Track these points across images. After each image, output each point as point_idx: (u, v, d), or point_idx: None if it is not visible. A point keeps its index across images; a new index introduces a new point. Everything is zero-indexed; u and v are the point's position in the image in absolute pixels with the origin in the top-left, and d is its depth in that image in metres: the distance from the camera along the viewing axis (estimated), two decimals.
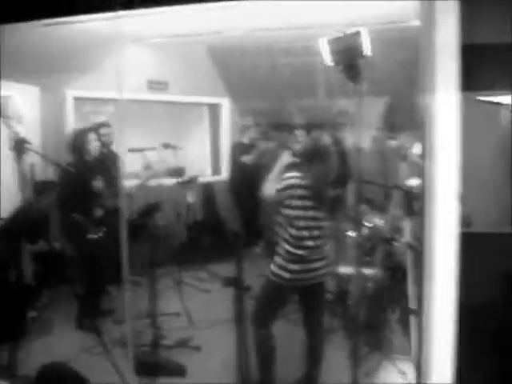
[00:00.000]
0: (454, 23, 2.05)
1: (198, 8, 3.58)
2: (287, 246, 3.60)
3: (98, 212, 4.98)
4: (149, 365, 4.13)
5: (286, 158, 3.78)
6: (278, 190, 3.58)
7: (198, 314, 5.14)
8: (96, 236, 4.90)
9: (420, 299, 2.32)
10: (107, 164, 5.28)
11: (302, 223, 3.55)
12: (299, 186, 3.56)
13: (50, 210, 5.39)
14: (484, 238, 4.56)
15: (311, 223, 3.57)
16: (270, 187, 3.67)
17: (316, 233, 3.59)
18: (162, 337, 4.60)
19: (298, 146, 3.81)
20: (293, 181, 3.58)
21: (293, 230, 3.57)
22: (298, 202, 3.55)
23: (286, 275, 3.58)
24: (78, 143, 5.03)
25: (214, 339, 4.64)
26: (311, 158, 3.61)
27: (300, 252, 3.56)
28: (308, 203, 3.55)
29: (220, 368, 4.18)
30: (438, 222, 2.12)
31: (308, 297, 3.80)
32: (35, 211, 5.17)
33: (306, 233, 3.56)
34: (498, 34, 4.61)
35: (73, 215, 4.84)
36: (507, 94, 5.10)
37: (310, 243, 3.57)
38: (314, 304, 3.84)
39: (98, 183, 4.98)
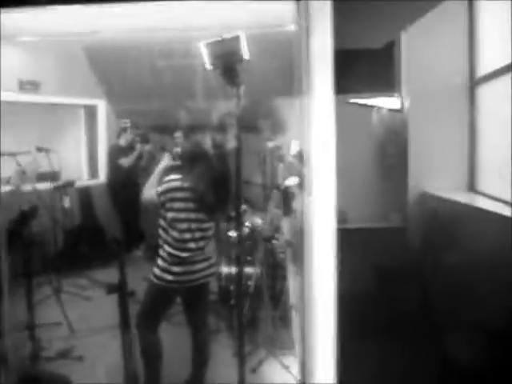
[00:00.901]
0: (328, 28, 2.15)
1: (75, 7, 3.49)
2: (170, 249, 3.60)
3: None
4: (30, 379, 3.96)
5: (166, 160, 3.81)
6: (159, 193, 3.58)
7: (80, 322, 5.00)
8: None
9: (301, 294, 2.42)
10: None
11: (183, 225, 3.57)
12: (180, 189, 3.57)
13: None
14: (359, 233, 4.83)
15: (193, 225, 3.59)
16: (149, 190, 3.67)
17: (198, 234, 3.62)
18: (42, 348, 4.43)
19: (177, 149, 3.82)
20: (173, 183, 3.59)
21: (175, 233, 3.58)
22: (179, 205, 3.56)
23: (169, 277, 3.58)
24: None
25: (97, 347, 4.55)
26: (191, 160, 3.65)
27: (183, 254, 3.58)
28: (189, 205, 3.57)
29: (105, 377, 4.10)
30: (315, 219, 2.22)
31: (192, 298, 3.81)
32: None
33: (188, 235, 3.58)
34: (367, 40, 4.90)
35: None
36: (377, 96, 5.44)
37: (193, 245, 3.60)
38: (198, 305, 3.86)
39: None
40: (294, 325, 4.36)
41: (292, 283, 4.45)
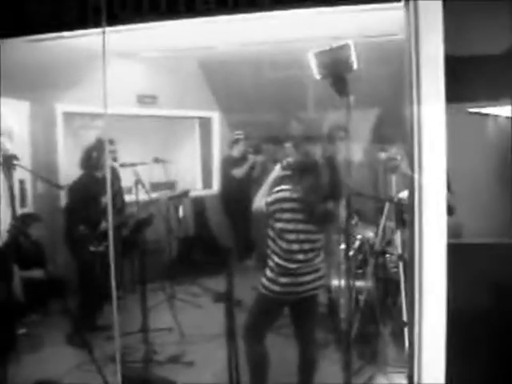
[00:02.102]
0: (439, 35, 2.06)
1: (189, 22, 3.59)
2: (277, 259, 3.57)
3: (103, 224, 4.96)
4: (139, 381, 4.08)
5: (277, 171, 3.78)
6: (268, 203, 3.57)
7: (191, 329, 5.09)
8: (98, 249, 4.89)
9: (411, 311, 2.31)
10: (112, 179, 5.30)
11: (292, 236, 3.53)
12: (289, 199, 3.55)
13: (41, 239, 5.40)
14: (474, 249, 4.57)
15: (301, 236, 3.54)
16: (260, 200, 3.67)
17: (307, 246, 3.57)
18: (154, 352, 4.57)
19: (289, 159, 3.79)
20: (283, 194, 3.58)
21: (283, 244, 3.55)
22: (288, 215, 3.53)
23: (276, 288, 3.56)
24: (93, 159, 5.04)
25: (206, 354, 4.60)
26: (301, 171, 3.61)
27: (290, 265, 3.53)
28: (298, 216, 3.53)
29: (213, 383, 4.14)
30: (427, 233, 2.12)
31: (300, 310, 3.76)
32: (26, 242, 5.19)
33: (296, 246, 3.54)
34: (484, 46, 4.66)
35: (79, 228, 4.84)
36: (495, 105, 5.15)
37: (301, 257, 3.55)
38: (306, 317, 3.80)
39: (105, 199, 4.98)
40: (406, 343, 4.19)
41: (404, 299, 4.29)
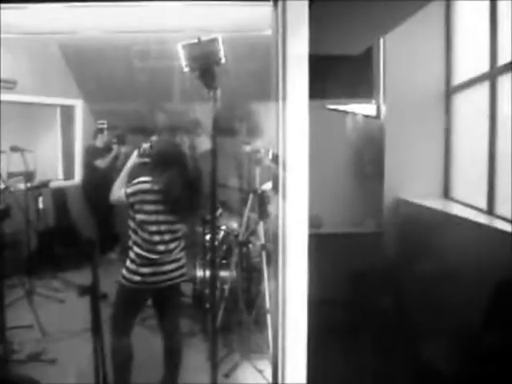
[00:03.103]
0: (305, 33, 2.16)
1: (52, 6, 3.46)
2: (139, 250, 3.56)
3: None
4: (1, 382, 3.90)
5: (134, 158, 3.75)
6: (128, 195, 3.54)
7: (53, 325, 4.91)
8: None
9: (274, 298, 2.41)
10: None
11: (153, 228, 3.54)
12: (150, 191, 3.54)
13: None
14: (333, 238, 4.84)
15: (163, 227, 3.56)
16: (118, 190, 3.63)
17: (168, 237, 3.59)
18: (13, 351, 4.37)
19: (146, 145, 3.75)
20: (143, 185, 3.56)
21: (144, 234, 3.55)
22: (149, 207, 3.53)
23: (137, 278, 3.54)
24: None
25: (70, 351, 4.48)
26: (163, 162, 3.61)
27: (152, 256, 3.55)
28: (159, 208, 3.54)
29: (77, 381, 4.05)
30: (289, 224, 2.22)
31: (162, 300, 3.78)
32: None
33: (157, 237, 3.55)
34: (345, 46, 4.92)
35: None
36: (354, 102, 5.47)
37: (162, 247, 3.57)
38: (169, 307, 3.82)
39: None
40: (269, 329, 4.35)
41: (267, 287, 4.45)
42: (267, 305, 4.42)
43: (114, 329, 3.63)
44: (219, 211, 5.11)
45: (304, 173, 2.15)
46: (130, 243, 3.62)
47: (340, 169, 5.46)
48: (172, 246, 3.62)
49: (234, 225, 5.28)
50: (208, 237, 5.25)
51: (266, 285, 4.47)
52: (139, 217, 3.54)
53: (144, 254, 3.55)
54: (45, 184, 6.51)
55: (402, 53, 5.23)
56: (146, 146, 3.75)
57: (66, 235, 6.99)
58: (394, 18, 4.38)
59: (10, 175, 6.20)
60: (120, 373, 3.63)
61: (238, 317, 4.79)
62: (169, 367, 3.83)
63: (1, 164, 5.50)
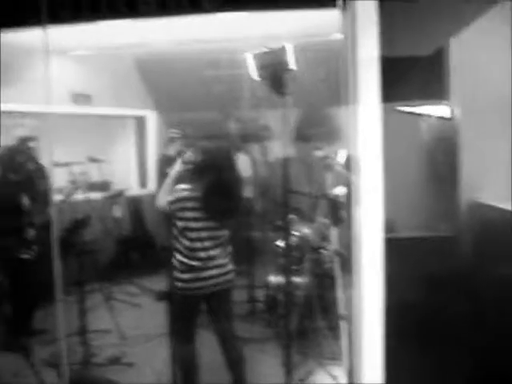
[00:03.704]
0: (375, 35, 2.14)
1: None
2: (181, 257, 3.58)
3: (30, 231, 4.85)
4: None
5: (178, 165, 3.75)
6: (170, 203, 3.57)
7: (130, 329, 5.06)
8: (29, 256, 4.78)
9: (349, 304, 2.39)
10: (34, 179, 5.17)
11: (193, 234, 3.55)
12: (190, 198, 3.55)
13: None
14: (407, 242, 4.75)
15: (204, 234, 3.56)
16: (162, 197, 3.65)
17: (209, 243, 3.58)
18: (93, 354, 4.51)
19: (189, 153, 3.75)
20: (183, 193, 3.57)
21: (186, 242, 3.56)
22: (189, 214, 3.54)
23: (180, 285, 3.56)
24: (5, 162, 4.91)
25: (146, 354, 4.59)
26: (202, 167, 3.61)
27: (192, 263, 3.55)
28: (199, 215, 3.54)
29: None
30: (363, 229, 2.20)
31: (212, 306, 3.75)
32: None
33: (198, 244, 3.55)
34: (416, 46, 4.83)
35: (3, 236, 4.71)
36: (426, 104, 5.35)
37: (203, 254, 3.56)
38: (218, 313, 3.78)
39: (25, 201, 4.86)
40: (343, 335, 4.31)
41: (341, 293, 4.41)
42: (341, 311, 4.38)
43: (175, 336, 3.61)
44: (291, 217, 5.10)
45: (378, 176, 2.13)
46: (174, 251, 3.63)
47: (413, 172, 5.35)
48: (214, 252, 3.61)
49: (307, 230, 5.26)
50: (280, 242, 5.27)
51: (340, 291, 4.43)
52: (180, 224, 3.56)
53: (185, 260, 3.56)
54: (120, 193, 6.71)
55: (475, 52, 5.08)
56: (188, 152, 3.76)
57: (141, 242, 7.17)
58: (467, 15, 4.28)
59: (89, 186, 6.42)
60: (186, 379, 3.65)
61: (311, 323, 4.77)
62: (231, 373, 3.79)
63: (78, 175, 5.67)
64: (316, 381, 4.22)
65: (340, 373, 4.20)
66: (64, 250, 4.62)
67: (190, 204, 3.54)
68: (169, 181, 3.73)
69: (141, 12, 2.92)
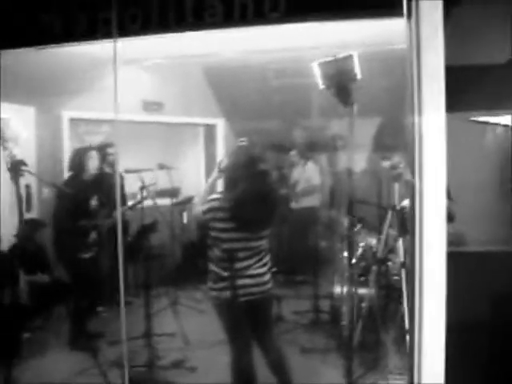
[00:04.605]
0: (440, 44, 2.10)
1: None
2: (213, 267, 3.52)
3: (93, 233, 5.00)
4: None
5: (214, 173, 3.70)
6: (203, 212, 3.49)
7: (194, 334, 5.12)
8: (87, 256, 4.92)
9: (411, 318, 2.34)
10: (107, 183, 5.34)
11: (225, 245, 3.45)
12: (220, 209, 3.44)
13: (45, 245, 5.44)
14: (477, 257, 4.59)
15: (236, 245, 3.45)
16: (197, 206, 3.63)
17: (242, 254, 3.46)
18: (158, 357, 4.60)
19: (225, 160, 3.66)
20: (214, 203, 3.46)
21: (218, 252, 3.48)
22: (220, 225, 3.45)
23: (212, 293, 3.53)
24: (76, 161, 5.09)
25: (209, 360, 4.63)
26: (232, 174, 3.52)
27: (224, 273, 3.45)
28: (231, 225, 3.42)
29: None
30: (427, 241, 2.15)
31: (251, 316, 3.59)
32: (32, 245, 5.24)
33: (229, 255, 3.43)
34: (484, 55, 4.69)
35: (68, 234, 4.88)
36: (495, 114, 5.18)
37: (234, 265, 3.43)
38: (257, 323, 3.68)
39: (94, 202, 5.02)
40: (408, 350, 4.21)
41: (407, 307, 4.31)
42: (407, 325, 4.29)
43: (229, 345, 3.61)
44: (358, 227, 5.04)
45: (442, 188, 2.08)
46: (209, 259, 3.58)
47: (483, 183, 5.18)
48: (246, 263, 3.48)
49: (373, 241, 5.19)
50: (346, 253, 5.22)
51: (406, 304, 4.33)
52: (212, 234, 3.48)
53: (217, 270, 3.49)
54: (189, 200, 6.80)
55: None
56: (225, 159, 3.68)
57: (207, 249, 7.24)
58: None
59: (158, 192, 6.56)
60: None
61: (376, 336, 4.69)
62: (276, 377, 3.70)
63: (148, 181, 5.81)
64: None
65: None
66: (131, 253, 4.75)
67: (220, 214, 3.44)
68: (205, 189, 3.71)
69: (208, 23, 2.97)
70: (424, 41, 2.07)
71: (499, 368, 3.51)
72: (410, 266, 3.84)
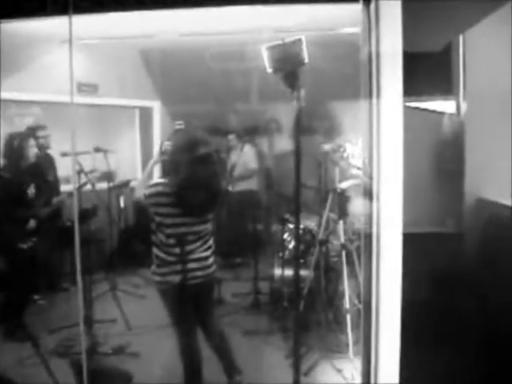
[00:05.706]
0: (399, 30, 2.14)
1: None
2: (157, 251, 3.51)
3: (31, 222, 4.85)
4: (94, 372, 4.02)
5: (155, 157, 3.70)
6: (146, 196, 3.45)
7: (135, 319, 5.08)
8: (25, 246, 4.77)
9: (365, 298, 2.41)
10: (43, 169, 5.17)
11: (169, 230, 3.44)
12: (164, 194, 3.41)
13: None
14: (413, 238, 4.74)
15: (181, 230, 3.44)
16: (138, 190, 3.60)
17: (186, 238, 3.45)
18: (99, 344, 4.54)
19: (167, 143, 3.62)
20: (158, 188, 3.44)
21: (162, 237, 3.46)
22: (164, 210, 3.42)
23: (157, 279, 3.52)
24: (14, 148, 4.87)
25: (152, 345, 4.61)
26: (175, 157, 3.46)
27: (168, 258, 3.45)
28: (175, 210, 3.41)
29: (162, 373, 4.17)
30: (382, 223, 2.21)
31: (194, 299, 3.61)
32: None
33: (173, 240, 3.42)
34: (424, 43, 4.82)
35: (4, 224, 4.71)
36: (432, 100, 5.35)
37: (178, 250, 3.42)
38: (200, 307, 3.69)
39: (31, 190, 4.86)
40: (348, 329, 4.34)
41: (347, 287, 4.43)
42: (347, 304, 4.41)
43: (173, 330, 3.60)
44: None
45: (398, 172, 2.14)
46: (152, 244, 3.56)
47: (419, 167, 5.35)
48: (191, 247, 3.47)
49: (312, 224, 5.28)
50: (285, 235, 5.28)
51: (346, 285, 4.45)
52: (156, 219, 3.45)
53: (162, 255, 3.47)
54: (125, 184, 6.70)
55: (483, 48, 5.06)
56: (166, 143, 3.63)
57: (145, 233, 7.17)
58: (476, 12, 4.27)
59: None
60: (187, 372, 3.60)
61: (316, 316, 4.79)
62: (222, 362, 3.77)
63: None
64: (320, 373, 4.24)
65: (345, 366, 4.23)
66: (69, 239, 4.65)
67: (164, 200, 3.41)
68: (145, 172, 3.68)
69: (147, 3, 2.91)
70: (383, 26, 2.10)
71: (437, 340, 3.67)
72: (351, 248, 3.94)
